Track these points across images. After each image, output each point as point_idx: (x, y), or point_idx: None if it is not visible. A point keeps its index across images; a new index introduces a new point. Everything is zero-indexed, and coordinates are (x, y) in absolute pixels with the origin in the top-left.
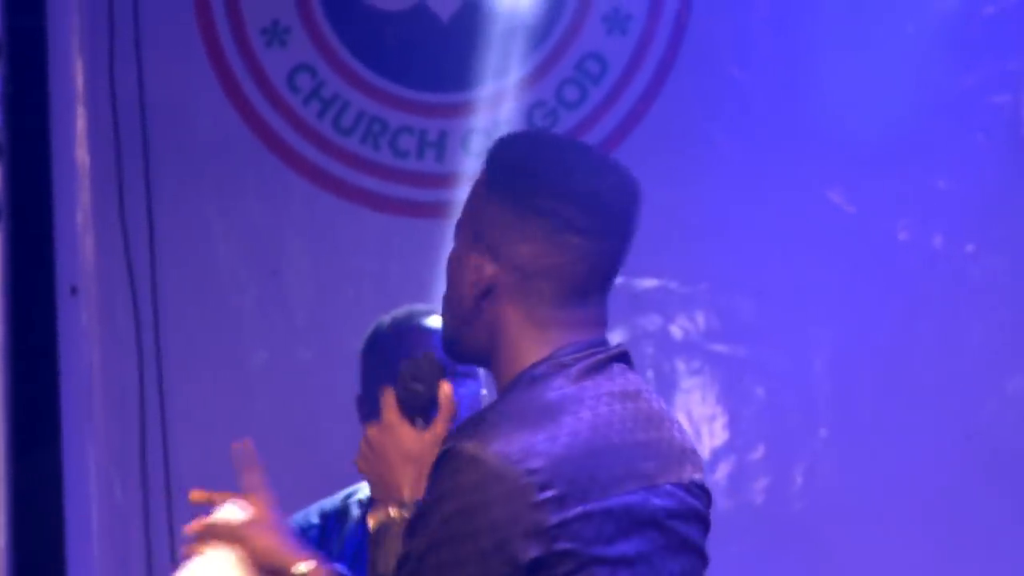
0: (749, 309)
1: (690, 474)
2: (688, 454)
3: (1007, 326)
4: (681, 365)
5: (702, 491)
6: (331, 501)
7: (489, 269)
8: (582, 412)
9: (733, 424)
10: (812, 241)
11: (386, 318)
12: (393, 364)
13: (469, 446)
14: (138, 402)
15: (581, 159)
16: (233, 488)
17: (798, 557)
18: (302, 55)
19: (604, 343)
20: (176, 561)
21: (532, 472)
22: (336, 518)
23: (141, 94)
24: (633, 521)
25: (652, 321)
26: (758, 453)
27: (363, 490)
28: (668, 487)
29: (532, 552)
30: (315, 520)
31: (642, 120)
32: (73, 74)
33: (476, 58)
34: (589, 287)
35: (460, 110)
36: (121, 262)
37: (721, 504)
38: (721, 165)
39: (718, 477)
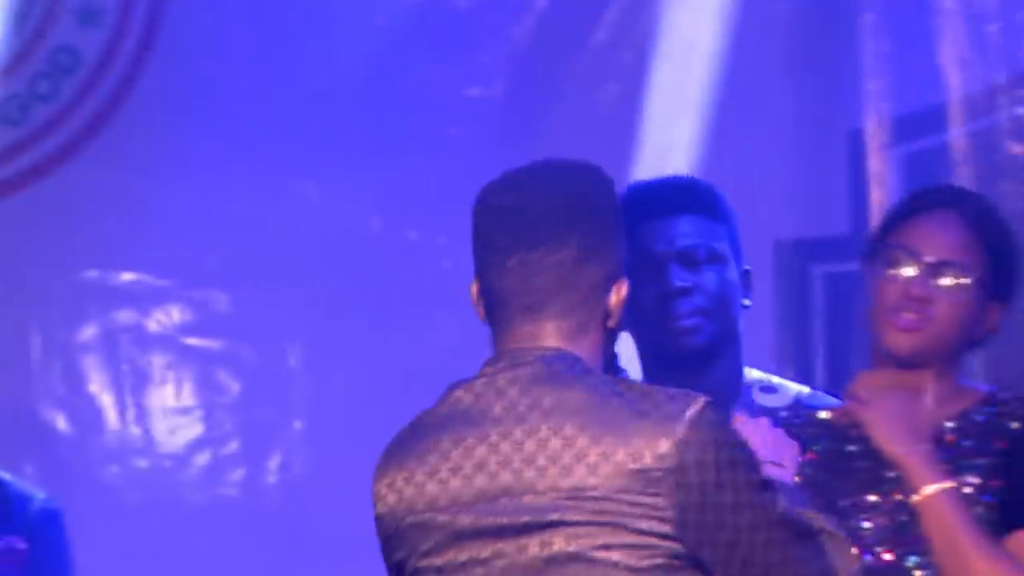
0: (223, 302)
1: (569, 482)
2: (565, 462)
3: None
4: (156, 359)
5: (582, 498)
6: None
7: None
8: (433, 432)
9: (208, 418)
10: (285, 234)
11: None
12: None
13: None
14: None
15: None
16: None
17: (272, 550)
18: None
19: (492, 360)
20: None
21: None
22: None
23: None
24: (452, 536)
25: (127, 315)
26: (232, 447)
27: None
28: (506, 500)
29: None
30: None
31: (117, 113)
32: None
33: None
34: (493, 303)
35: None
36: None
37: (195, 498)
38: (194, 159)
39: (193, 472)
